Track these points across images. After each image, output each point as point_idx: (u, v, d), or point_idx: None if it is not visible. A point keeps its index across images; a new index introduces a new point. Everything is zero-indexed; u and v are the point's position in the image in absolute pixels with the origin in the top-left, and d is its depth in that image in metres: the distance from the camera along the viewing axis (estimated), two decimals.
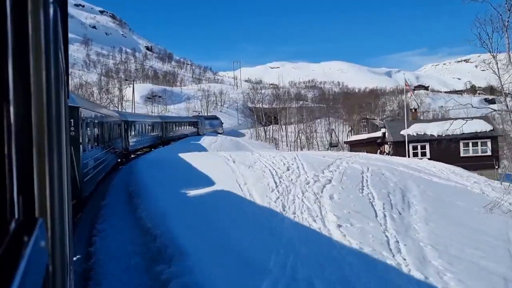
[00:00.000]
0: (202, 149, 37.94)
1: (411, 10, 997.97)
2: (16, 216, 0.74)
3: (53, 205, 1.05)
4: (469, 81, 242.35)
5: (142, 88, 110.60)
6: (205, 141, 47.53)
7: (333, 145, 68.24)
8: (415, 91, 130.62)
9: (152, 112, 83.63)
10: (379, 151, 40.52)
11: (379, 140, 42.95)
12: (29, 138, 0.86)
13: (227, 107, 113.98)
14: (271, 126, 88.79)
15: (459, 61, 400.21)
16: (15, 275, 0.59)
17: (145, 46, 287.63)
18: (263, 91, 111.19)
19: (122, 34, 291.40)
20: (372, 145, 42.16)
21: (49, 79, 1.00)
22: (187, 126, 58.10)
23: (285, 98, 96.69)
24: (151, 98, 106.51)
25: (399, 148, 35.66)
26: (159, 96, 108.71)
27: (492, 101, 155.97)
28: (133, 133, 28.62)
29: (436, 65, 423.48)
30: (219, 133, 75.40)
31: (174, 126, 49.62)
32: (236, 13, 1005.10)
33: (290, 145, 75.01)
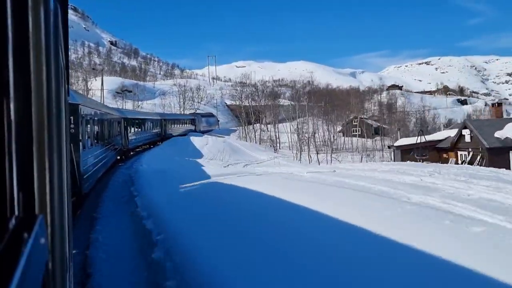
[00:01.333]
0: (196, 153, 34.83)
1: (374, 13, 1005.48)
2: (16, 212, 0.74)
3: (53, 202, 1.05)
4: (441, 83, 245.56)
5: (111, 81, 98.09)
6: (195, 142, 43.26)
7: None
8: (390, 91, 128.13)
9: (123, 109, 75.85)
10: (453, 160, 31.06)
11: (441, 144, 34.09)
12: (29, 135, 0.86)
13: (205, 104, 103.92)
14: (259, 124, 78.83)
15: (420, 64, 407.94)
16: (15, 272, 0.59)
17: (109, 41, 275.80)
18: (244, 88, 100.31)
19: (84, 28, 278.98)
20: (432, 151, 33.70)
21: (49, 76, 1.00)
22: (185, 124, 58.41)
23: (266, 95, 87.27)
24: (121, 92, 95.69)
25: (494, 157, 25.91)
26: (130, 91, 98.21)
27: (464, 102, 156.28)
28: (132, 130, 28.64)
29: (399, 66, 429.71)
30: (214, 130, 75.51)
31: (172, 124, 49.86)
32: (202, 11, 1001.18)
33: (291, 148, 65.60)
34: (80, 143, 11.09)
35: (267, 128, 76.71)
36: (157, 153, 29.41)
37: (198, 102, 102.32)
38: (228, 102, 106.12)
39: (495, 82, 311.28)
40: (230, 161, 34.12)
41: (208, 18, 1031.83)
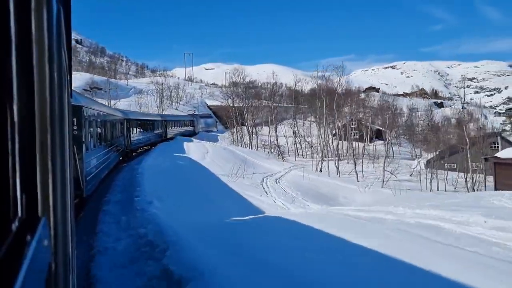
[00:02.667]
0: (195, 166, 26.90)
1: (340, 17, 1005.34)
2: (19, 214, 0.74)
3: (56, 203, 1.05)
4: (416, 85, 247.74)
5: (79, 78, 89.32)
6: (191, 151, 35.19)
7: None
8: (367, 93, 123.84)
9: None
10: None
11: None
12: (32, 137, 0.86)
13: (184, 104, 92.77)
14: (248, 127, 67.84)
15: (386, 68, 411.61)
16: (18, 273, 0.59)
17: (74, 39, 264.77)
18: (233, 88, 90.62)
19: None
20: None
21: (52, 78, 1.01)
22: (185, 125, 58.82)
23: (248, 96, 77.31)
24: (91, 90, 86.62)
25: None
26: (100, 88, 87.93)
27: (440, 105, 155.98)
28: (135, 131, 28.70)
29: (366, 70, 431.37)
30: (212, 131, 72.70)
31: (173, 125, 50.17)
32: (171, 13, 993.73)
33: (293, 153, 57.90)
34: (83, 145, 11.11)
35: (256, 131, 65.36)
36: (159, 162, 23.66)
37: (177, 102, 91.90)
38: (209, 103, 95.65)
39: (457, 87, 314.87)
40: (245, 175, 28.66)
41: (176, 20, 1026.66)
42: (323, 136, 51.54)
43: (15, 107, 0.70)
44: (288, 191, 27.93)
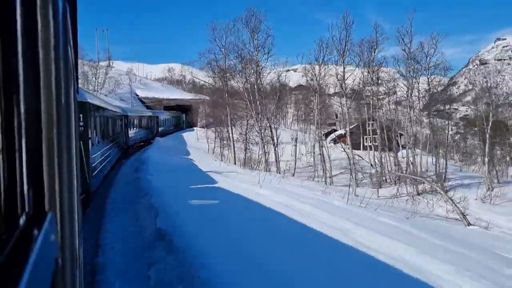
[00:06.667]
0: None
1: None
2: (26, 210, 0.75)
3: (63, 199, 1.06)
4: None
5: None
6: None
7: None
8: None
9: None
10: None
11: None
12: (39, 132, 0.87)
13: (106, 95, 58.60)
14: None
15: (288, 70, 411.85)
16: (26, 268, 0.60)
17: None
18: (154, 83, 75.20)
19: None
20: None
21: (59, 74, 1.01)
22: (174, 121, 59.05)
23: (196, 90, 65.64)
24: None
25: None
26: None
27: None
28: (132, 127, 28.84)
29: (268, 72, 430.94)
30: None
31: (165, 121, 50.35)
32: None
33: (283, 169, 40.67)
34: (89, 141, 11.17)
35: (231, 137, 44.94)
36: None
37: (96, 90, 59.31)
38: (141, 94, 69.41)
39: None
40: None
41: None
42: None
43: (22, 104, 0.71)
44: None
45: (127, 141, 26.09)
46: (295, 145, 49.25)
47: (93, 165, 11.72)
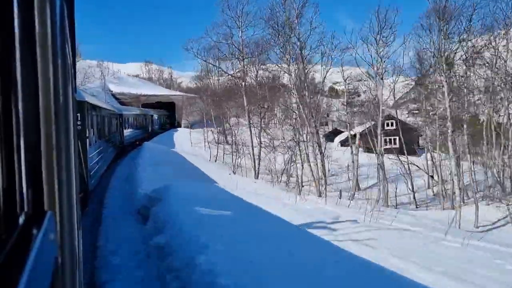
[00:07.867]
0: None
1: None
2: (25, 209, 0.75)
3: (62, 198, 1.06)
4: None
5: None
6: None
7: None
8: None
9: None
10: None
11: None
12: (38, 132, 0.87)
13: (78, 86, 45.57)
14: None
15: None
16: (25, 267, 0.60)
17: None
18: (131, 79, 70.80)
19: None
20: None
21: (56, 74, 1.01)
22: (165, 119, 58.72)
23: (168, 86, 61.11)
24: None
25: None
26: None
27: None
28: (127, 127, 28.80)
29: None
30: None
31: (157, 119, 50.16)
32: None
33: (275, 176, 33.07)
34: (87, 140, 11.17)
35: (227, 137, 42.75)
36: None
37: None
38: (115, 89, 61.78)
39: None
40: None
41: None
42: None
43: (20, 103, 0.71)
44: None
45: (122, 140, 26.08)
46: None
47: (91, 164, 11.73)
